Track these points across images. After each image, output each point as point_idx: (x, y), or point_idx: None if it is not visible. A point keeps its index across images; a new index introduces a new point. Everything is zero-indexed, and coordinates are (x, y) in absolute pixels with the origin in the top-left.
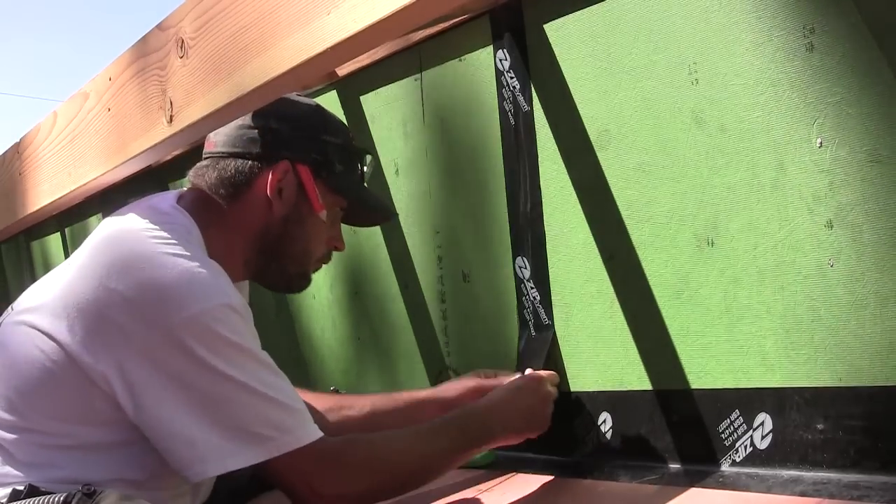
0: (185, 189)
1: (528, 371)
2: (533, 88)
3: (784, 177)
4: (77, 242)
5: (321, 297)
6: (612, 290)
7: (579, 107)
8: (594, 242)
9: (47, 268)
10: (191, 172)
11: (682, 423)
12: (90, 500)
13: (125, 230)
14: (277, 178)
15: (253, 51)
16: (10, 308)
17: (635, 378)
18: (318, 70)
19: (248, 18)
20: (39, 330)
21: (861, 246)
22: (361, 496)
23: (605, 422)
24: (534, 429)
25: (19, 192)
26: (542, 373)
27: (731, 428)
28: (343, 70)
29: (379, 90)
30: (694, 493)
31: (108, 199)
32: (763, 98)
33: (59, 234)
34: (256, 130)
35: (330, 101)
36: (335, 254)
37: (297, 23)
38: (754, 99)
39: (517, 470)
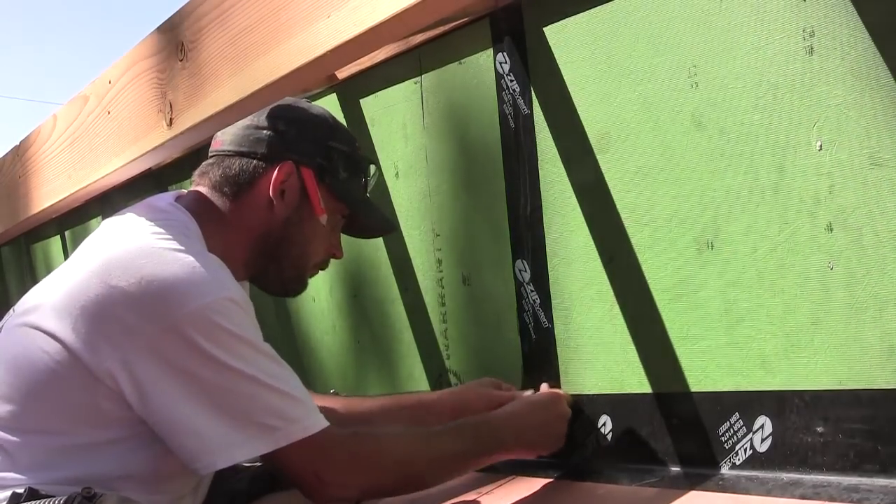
0: (183, 190)
1: (544, 387)
2: (533, 91)
3: (784, 180)
4: (77, 245)
5: (321, 300)
6: (611, 292)
7: (579, 110)
8: (594, 245)
9: (48, 270)
10: (197, 170)
11: (682, 425)
12: (90, 503)
13: (124, 228)
14: (281, 179)
15: (253, 54)
16: (11, 310)
17: (635, 381)
18: (319, 73)
19: (249, 21)
20: (42, 331)
21: (861, 249)
22: (365, 489)
23: (605, 424)
24: (547, 445)
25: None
26: (559, 391)
27: (731, 431)
28: (343, 73)
29: (379, 93)
30: (694, 495)
31: (109, 201)
32: (763, 101)
33: (59, 236)
34: (264, 131)
35: (330, 104)
36: None
37: (298, 26)
38: (754, 102)
39: (517, 473)
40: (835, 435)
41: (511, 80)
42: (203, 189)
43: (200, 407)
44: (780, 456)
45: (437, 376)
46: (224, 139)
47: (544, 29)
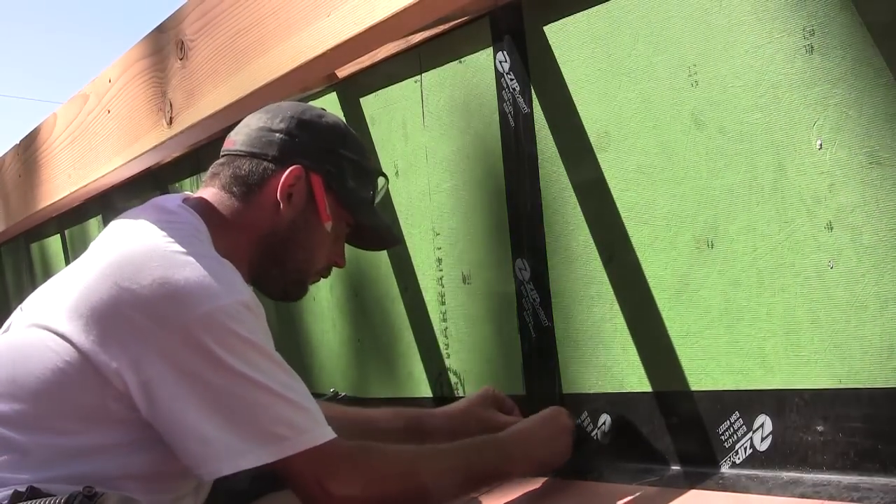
0: (189, 193)
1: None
2: (533, 90)
3: (784, 179)
4: (77, 244)
5: (321, 299)
6: (611, 291)
7: (579, 108)
8: (594, 244)
9: (47, 269)
10: (208, 171)
11: (682, 424)
12: (91, 503)
13: (136, 230)
14: (289, 183)
15: (253, 53)
16: (19, 309)
17: (635, 379)
18: (319, 72)
19: (249, 20)
20: (52, 331)
21: (861, 248)
22: (369, 502)
23: (605, 423)
24: (555, 458)
25: (19, 194)
26: (559, 407)
27: (731, 429)
28: (343, 72)
29: (379, 92)
30: (694, 494)
31: (108, 200)
32: (763, 100)
33: (58, 235)
34: (277, 134)
35: (330, 103)
36: None
37: (298, 25)
38: (754, 101)
39: None
40: (835, 434)
41: (511, 79)
42: (213, 189)
43: (208, 412)
44: (780, 455)
45: (437, 375)
46: (237, 139)
47: (544, 28)
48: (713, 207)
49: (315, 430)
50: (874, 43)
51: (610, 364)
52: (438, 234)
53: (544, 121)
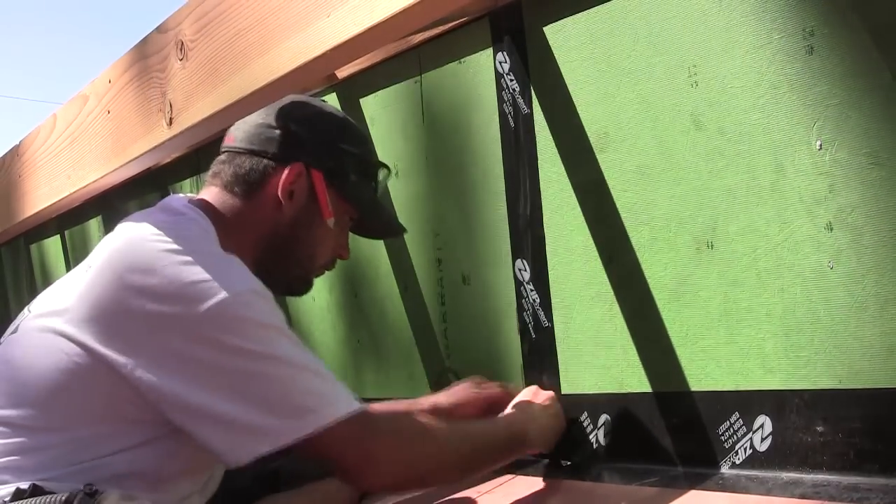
0: (192, 195)
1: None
2: (532, 91)
3: (784, 179)
4: (76, 245)
5: (321, 299)
6: (611, 292)
7: (579, 109)
8: (594, 245)
9: (46, 270)
10: (209, 170)
11: (682, 425)
12: (92, 500)
13: (143, 230)
14: (290, 181)
15: (253, 53)
16: (26, 310)
17: (635, 380)
18: (318, 72)
19: (249, 21)
20: (62, 334)
21: (861, 248)
22: (410, 467)
23: (605, 424)
24: (554, 440)
25: (19, 195)
26: (547, 391)
27: (731, 430)
28: (343, 72)
29: (378, 92)
30: (693, 495)
31: (108, 201)
32: (763, 100)
33: (58, 236)
34: (276, 130)
35: (329, 103)
36: None
37: (297, 25)
38: (754, 101)
39: (517, 472)
40: (834, 434)
41: (511, 80)
42: (215, 189)
43: (237, 399)
44: (779, 455)
45: (437, 376)
46: (236, 135)
47: (544, 28)
48: (713, 208)
49: (347, 398)
50: (874, 43)
51: (610, 364)
52: (438, 235)
53: (544, 121)
